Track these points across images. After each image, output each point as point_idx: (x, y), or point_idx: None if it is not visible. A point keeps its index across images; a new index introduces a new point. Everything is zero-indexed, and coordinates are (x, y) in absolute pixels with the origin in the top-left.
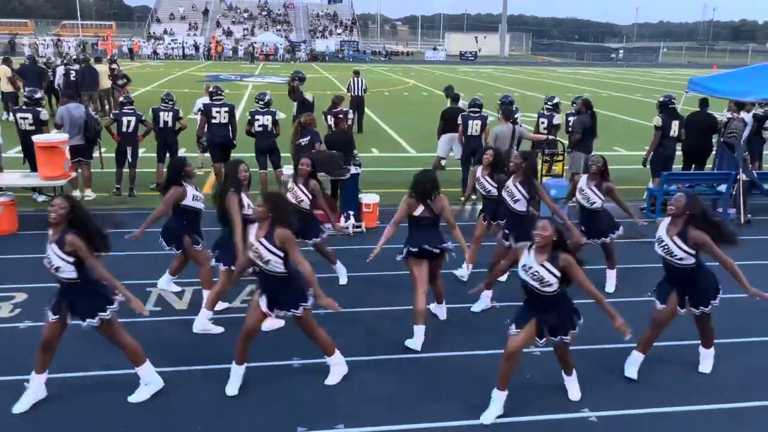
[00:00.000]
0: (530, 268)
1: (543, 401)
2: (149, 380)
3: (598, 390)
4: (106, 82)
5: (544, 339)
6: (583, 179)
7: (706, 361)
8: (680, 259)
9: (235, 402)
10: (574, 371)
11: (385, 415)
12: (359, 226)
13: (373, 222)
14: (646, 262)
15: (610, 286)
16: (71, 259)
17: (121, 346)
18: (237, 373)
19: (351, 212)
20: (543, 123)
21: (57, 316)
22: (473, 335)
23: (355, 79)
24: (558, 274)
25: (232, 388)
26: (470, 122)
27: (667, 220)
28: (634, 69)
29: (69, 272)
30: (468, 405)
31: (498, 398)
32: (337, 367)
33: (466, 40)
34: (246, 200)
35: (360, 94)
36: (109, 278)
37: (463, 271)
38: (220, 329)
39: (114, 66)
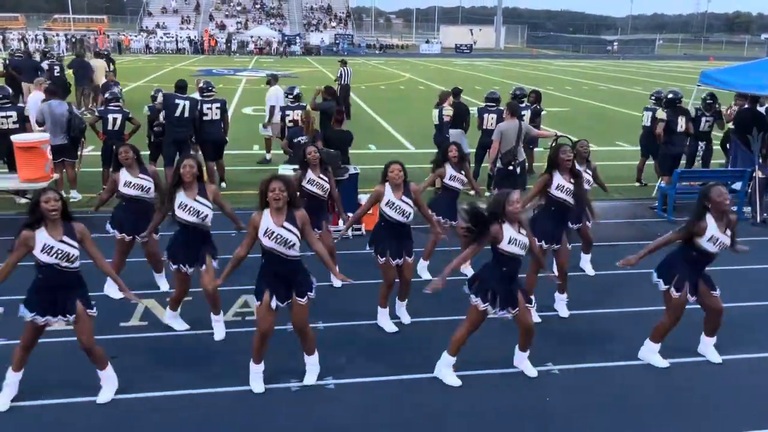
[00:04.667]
0: None
1: (566, 429)
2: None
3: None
4: (101, 78)
5: None
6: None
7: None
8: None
9: (224, 430)
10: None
11: None
12: (359, 229)
13: (374, 224)
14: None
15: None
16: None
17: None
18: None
19: (350, 214)
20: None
21: None
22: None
23: (344, 68)
24: None
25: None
26: (486, 116)
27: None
28: (631, 61)
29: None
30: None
31: None
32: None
33: (461, 33)
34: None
35: (348, 83)
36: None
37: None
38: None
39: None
